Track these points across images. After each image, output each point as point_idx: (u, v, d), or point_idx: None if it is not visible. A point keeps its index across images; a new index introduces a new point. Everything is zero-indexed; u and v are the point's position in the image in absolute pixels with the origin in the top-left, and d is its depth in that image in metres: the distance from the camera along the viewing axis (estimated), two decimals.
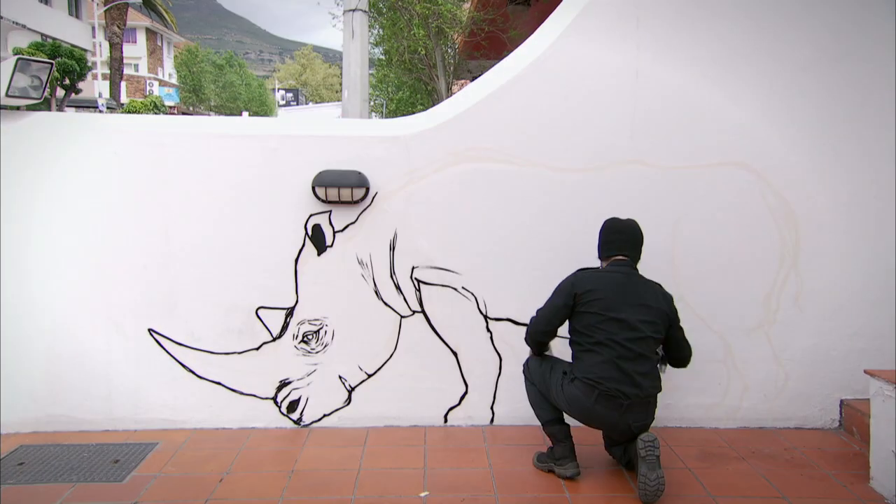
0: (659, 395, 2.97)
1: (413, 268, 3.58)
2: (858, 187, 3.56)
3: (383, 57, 18.62)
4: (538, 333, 3.05)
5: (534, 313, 3.09)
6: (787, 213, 3.57)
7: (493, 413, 3.67)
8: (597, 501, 2.87)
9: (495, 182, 3.55)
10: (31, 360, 3.50)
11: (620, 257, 3.05)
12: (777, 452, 3.37)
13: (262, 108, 47.97)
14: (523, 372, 3.20)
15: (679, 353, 3.12)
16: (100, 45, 29.35)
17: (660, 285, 3.08)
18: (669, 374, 3.63)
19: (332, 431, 3.58)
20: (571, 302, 2.93)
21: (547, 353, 3.19)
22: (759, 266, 3.59)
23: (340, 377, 3.63)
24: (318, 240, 3.56)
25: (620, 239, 3.07)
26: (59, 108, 21.29)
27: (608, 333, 2.85)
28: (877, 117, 3.53)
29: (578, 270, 3.06)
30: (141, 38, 41.82)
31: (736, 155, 3.55)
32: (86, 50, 27.31)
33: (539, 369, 3.10)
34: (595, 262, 3.63)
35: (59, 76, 20.79)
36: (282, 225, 3.54)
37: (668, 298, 3.03)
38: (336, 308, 3.58)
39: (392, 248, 3.57)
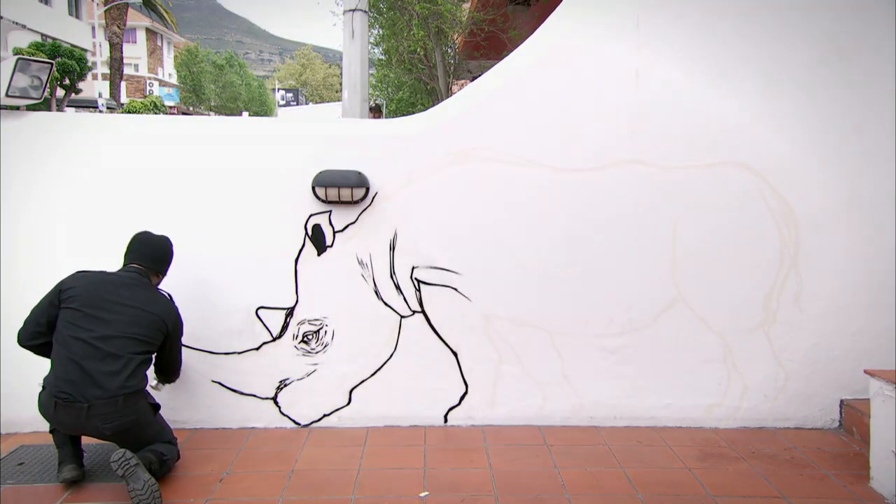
0: (144, 391, 2.91)
1: (413, 268, 3.58)
2: (858, 187, 3.56)
3: (383, 57, 18.61)
4: (26, 335, 2.90)
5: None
6: (787, 213, 3.57)
7: (493, 413, 3.67)
8: (595, 501, 2.87)
9: (495, 182, 3.55)
10: (31, 360, 3.49)
11: (134, 265, 3.09)
12: (777, 452, 3.37)
13: (262, 108, 47.97)
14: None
15: (166, 367, 3.16)
16: (100, 45, 29.34)
17: (166, 297, 3.11)
18: (669, 374, 3.64)
19: (332, 431, 3.58)
20: (57, 300, 2.87)
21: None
22: (759, 266, 3.59)
23: (340, 377, 3.63)
24: (318, 240, 3.56)
25: (139, 250, 3.12)
26: (59, 108, 21.28)
27: (78, 330, 2.78)
28: (877, 117, 3.53)
29: (76, 271, 3.02)
30: (141, 38, 41.82)
31: (736, 155, 3.55)
32: (86, 50, 27.28)
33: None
34: (595, 264, 3.64)
35: (59, 76, 20.78)
36: (282, 225, 3.55)
37: (169, 307, 3.05)
38: (336, 308, 3.58)
39: (392, 248, 3.57)
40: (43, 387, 2.84)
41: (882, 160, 3.55)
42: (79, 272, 3.02)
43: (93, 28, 29.30)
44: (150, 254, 3.13)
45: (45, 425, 3.48)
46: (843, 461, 3.27)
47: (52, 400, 2.75)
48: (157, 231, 3.51)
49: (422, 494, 2.88)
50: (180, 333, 3.16)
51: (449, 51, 15.93)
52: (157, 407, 3.01)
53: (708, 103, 3.54)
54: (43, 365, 3.48)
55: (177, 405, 3.56)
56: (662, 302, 3.61)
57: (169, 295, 3.15)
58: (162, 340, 3.01)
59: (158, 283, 3.19)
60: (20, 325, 3.44)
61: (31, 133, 3.47)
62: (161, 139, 3.54)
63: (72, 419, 2.75)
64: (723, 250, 3.58)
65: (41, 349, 2.93)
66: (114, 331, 2.82)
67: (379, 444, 3.43)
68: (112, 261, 3.49)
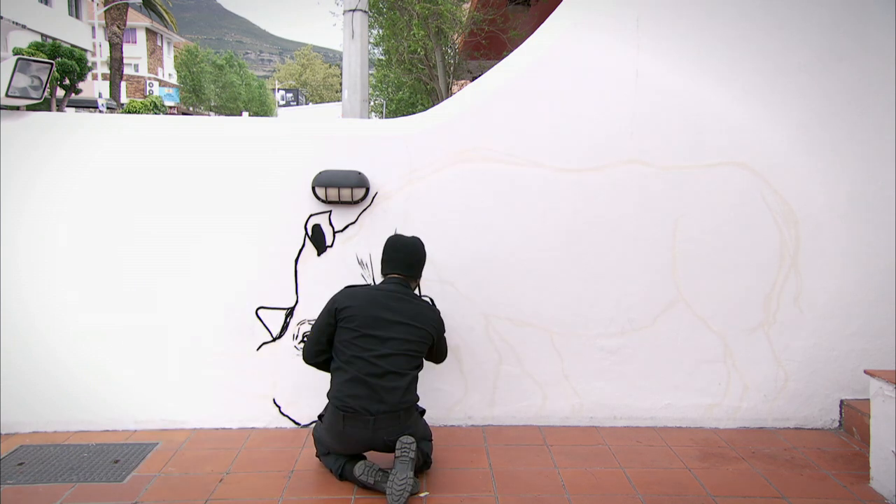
0: (416, 403, 3.01)
1: None
2: (858, 187, 3.56)
3: (383, 57, 18.62)
4: (310, 354, 3.09)
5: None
6: (787, 213, 3.57)
7: (493, 413, 3.67)
8: (595, 501, 2.87)
9: (495, 182, 3.55)
10: (31, 361, 3.50)
11: (395, 275, 3.12)
12: (777, 452, 3.37)
13: (262, 108, 48.00)
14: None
15: (438, 356, 3.23)
16: (100, 45, 29.35)
17: (428, 303, 3.15)
18: (669, 374, 3.65)
19: None
20: (333, 320, 2.99)
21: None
22: (759, 266, 3.59)
23: None
24: (318, 240, 3.56)
25: (396, 258, 3.14)
26: (59, 109, 21.30)
27: (359, 350, 2.90)
28: (877, 117, 3.53)
29: (345, 287, 3.11)
30: (141, 38, 41.83)
31: (736, 155, 3.55)
32: (86, 50, 27.30)
33: (316, 428, 3.12)
34: (595, 264, 3.64)
35: (59, 76, 20.81)
36: (282, 225, 3.55)
37: (434, 317, 3.10)
38: None
39: None
40: (326, 407, 3.00)
41: (882, 160, 3.55)
42: (347, 289, 3.09)
43: (93, 28, 29.31)
44: (406, 260, 3.14)
45: (46, 425, 3.51)
46: (843, 461, 3.27)
47: (340, 414, 2.88)
48: (155, 231, 3.52)
49: (422, 495, 2.88)
50: (443, 331, 3.18)
51: (449, 51, 15.94)
52: (423, 411, 3.15)
53: (708, 103, 3.54)
54: (43, 364, 3.50)
55: (177, 405, 3.56)
56: (662, 302, 3.61)
57: (431, 300, 3.19)
58: (429, 347, 3.10)
59: (417, 287, 3.22)
60: (20, 324, 3.46)
61: (31, 133, 3.47)
62: (161, 139, 3.54)
63: (359, 431, 2.87)
64: (723, 250, 3.58)
65: (324, 365, 3.09)
66: (391, 349, 2.91)
67: None
68: (112, 261, 3.51)
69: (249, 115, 37.73)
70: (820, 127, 3.55)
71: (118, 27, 25.37)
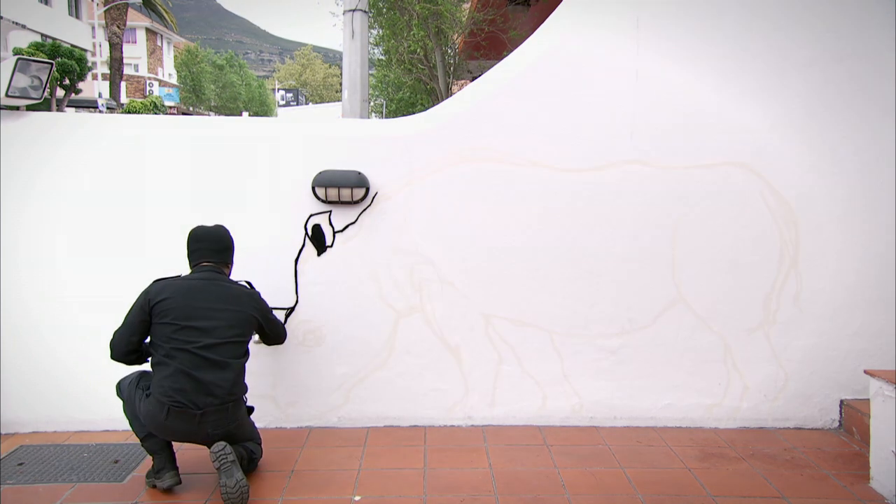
0: (245, 397, 2.96)
1: (413, 267, 3.58)
2: (858, 187, 3.56)
3: (383, 57, 18.62)
4: (119, 353, 2.91)
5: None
6: (787, 213, 3.57)
7: (493, 413, 3.67)
8: (595, 501, 2.87)
9: (495, 182, 3.55)
10: (31, 361, 3.50)
11: (204, 263, 3.03)
12: (777, 452, 3.37)
13: (262, 108, 48.01)
14: (116, 387, 3.05)
15: (275, 339, 3.23)
16: (100, 45, 29.36)
17: (246, 286, 3.09)
18: (669, 374, 3.65)
19: (332, 431, 3.58)
20: (147, 315, 2.85)
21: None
22: (759, 266, 3.59)
23: (340, 377, 3.62)
24: (318, 240, 3.56)
25: (201, 247, 3.04)
26: (59, 108, 21.29)
27: (181, 343, 2.80)
28: (877, 117, 3.53)
29: (154, 281, 2.95)
30: (141, 38, 41.83)
31: (736, 155, 3.55)
32: (86, 50, 27.29)
33: (128, 386, 2.97)
34: (595, 264, 3.64)
35: (59, 76, 20.80)
36: (282, 225, 3.55)
37: (254, 298, 3.05)
38: (336, 308, 3.58)
39: (392, 247, 3.57)
40: (147, 394, 2.84)
41: (881, 160, 3.55)
42: (158, 281, 2.93)
43: (93, 28, 29.32)
44: (212, 247, 3.06)
45: (46, 425, 3.51)
46: (843, 461, 3.27)
47: (164, 407, 2.76)
48: (155, 230, 3.52)
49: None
50: (270, 312, 3.16)
51: (449, 51, 15.93)
52: (251, 409, 3.09)
53: (708, 103, 3.54)
54: (44, 364, 3.50)
55: None
56: (662, 302, 3.61)
57: (249, 283, 3.15)
58: (258, 330, 3.09)
59: (230, 274, 3.15)
60: (20, 324, 3.46)
61: (31, 133, 3.47)
62: (161, 139, 3.54)
63: (184, 425, 2.78)
64: (723, 250, 3.58)
65: (135, 362, 2.96)
66: (214, 338, 2.84)
67: (379, 444, 3.43)
68: (112, 261, 3.51)
69: (249, 115, 37.75)
70: (820, 127, 3.54)
71: (118, 27, 25.37)
